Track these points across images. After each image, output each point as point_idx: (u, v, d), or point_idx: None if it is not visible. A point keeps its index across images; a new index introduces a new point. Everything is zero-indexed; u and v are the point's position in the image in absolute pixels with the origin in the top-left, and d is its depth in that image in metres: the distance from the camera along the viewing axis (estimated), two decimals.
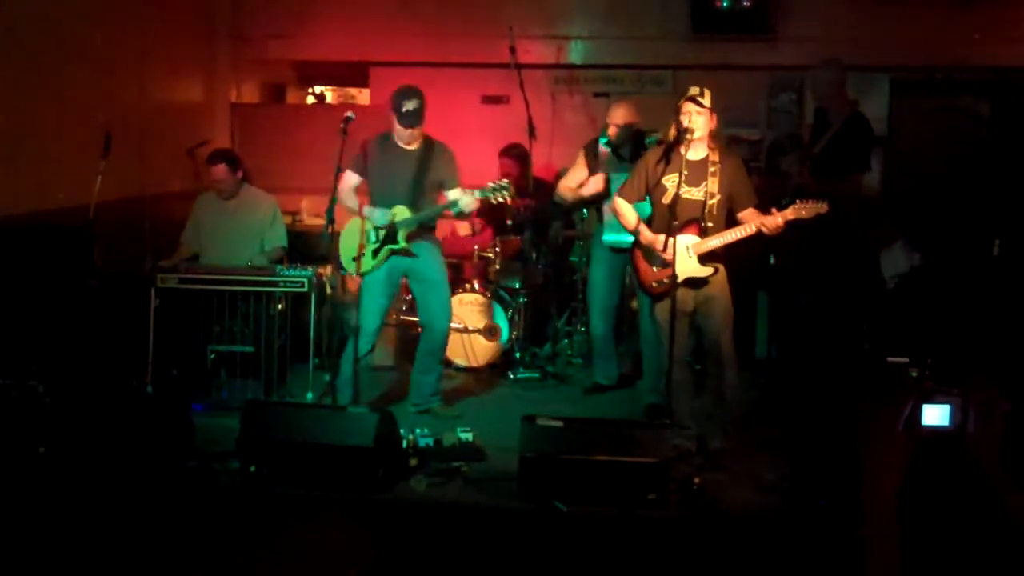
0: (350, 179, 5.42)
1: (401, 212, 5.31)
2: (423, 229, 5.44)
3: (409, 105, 5.18)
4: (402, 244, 5.32)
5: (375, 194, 5.41)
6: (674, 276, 4.69)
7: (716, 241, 4.77)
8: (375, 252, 5.35)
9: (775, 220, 4.69)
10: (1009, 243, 6.32)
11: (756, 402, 5.78)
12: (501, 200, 5.26)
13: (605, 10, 7.87)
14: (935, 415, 3.67)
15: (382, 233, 5.33)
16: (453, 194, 5.34)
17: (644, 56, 7.88)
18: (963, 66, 7.56)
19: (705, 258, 4.80)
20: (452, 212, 5.42)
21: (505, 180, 5.29)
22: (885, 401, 3.77)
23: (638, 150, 5.75)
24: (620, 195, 5.03)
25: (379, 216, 5.32)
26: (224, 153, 6.27)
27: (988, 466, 3.60)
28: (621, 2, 7.83)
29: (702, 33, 7.55)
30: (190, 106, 7.76)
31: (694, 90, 4.76)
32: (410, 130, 5.26)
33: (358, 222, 5.37)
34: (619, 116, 5.81)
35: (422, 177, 5.34)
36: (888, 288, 6.57)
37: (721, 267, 4.86)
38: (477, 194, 5.24)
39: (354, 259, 5.35)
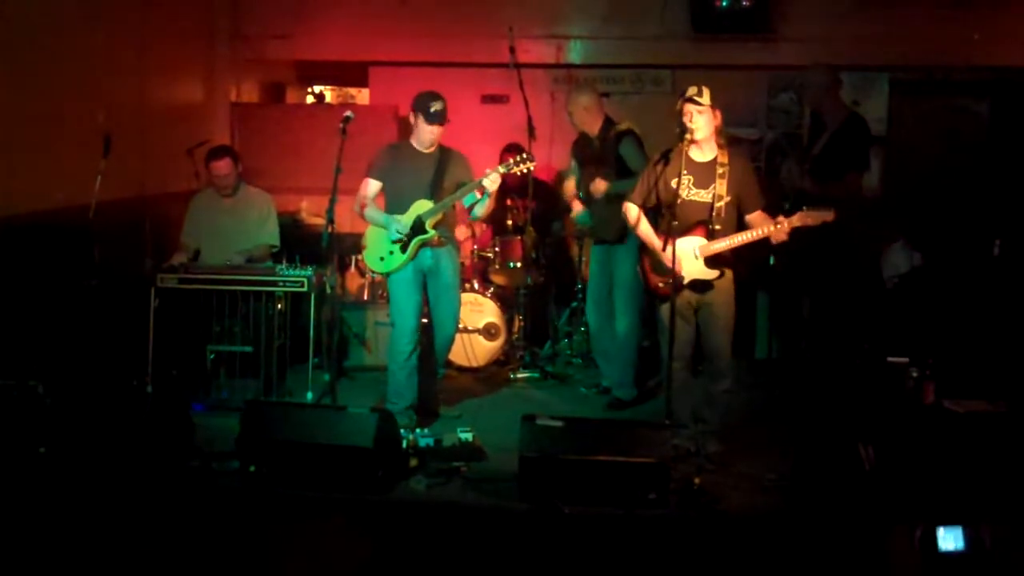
0: (372, 186, 5.44)
1: (423, 205, 5.33)
2: (445, 226, 5.45)
3: (436, 106, 5.25)
4: (431, 232, 5.34)
5: (394, 195, 5.42)
6: (678, 277, 4.71)
7: (722, 244, 4.76)
8: (403, 247, 5.36)
9: (782, 229, 4.68)
10: (1009, 243, 6.33)
11: (756, 402, 5.78)
12: (526, 169, 5.32)
13: (605, 10, 7.87)
14: (950, 540, 3.66)
15: (407, 230, 5.35)
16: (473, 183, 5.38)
17: (644, 56, 7.89)
18: (963, 66, 7.57)
19: (711, 261, 4.78)
20: (473, 200, 5.42)
21: (527, 152, 5.33)
22: (896, 524, 3.77)
23: (615, 139, 5.76)
24: (629, 199, 5.02)
25: (394, 229, 5.33)
26: (227, 147, 6.29)
27: None
28: (621, 2, 7.84)
29: (702, 33, 7.55)
30: (190, 106, 7.75)
31: (692, 90, 4.75)
32: (436, 128, 5.29)
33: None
34: (577, 120, 5.88)
35: (441, 177, 5.38)
36: (888, 288, 6.57)
37: (729, 272, 4.84)
38: (501, 168, 5.29)
39: (381, 258, 5.39)
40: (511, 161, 5.32)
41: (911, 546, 3.66)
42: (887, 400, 5.01)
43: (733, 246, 4.77)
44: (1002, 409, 4.53)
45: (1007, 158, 7.46)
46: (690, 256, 4.76)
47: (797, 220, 4.67)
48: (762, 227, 4.74)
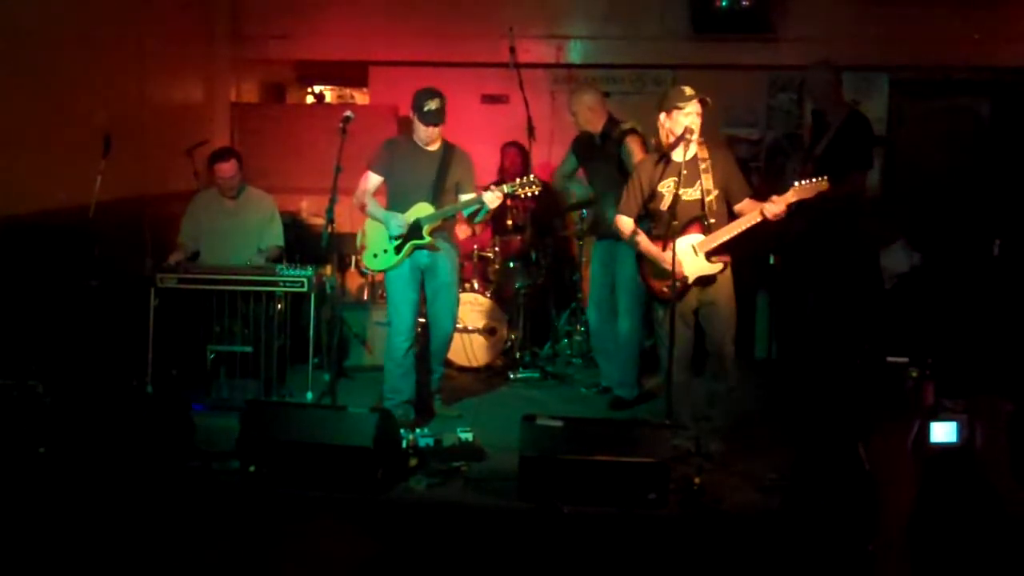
0: (373, 180, 5.44)
1: (423, 209, 5.33)
2: (444, 229, 5.46)
3: (431, 104, 5.22)
4: (427, 239, 5.34)
5: (396, 192, 5.43)
6: (684, 278, 4.73)
7: (721, 236, 4.74)
8: (398, 248, 5.36)
9: (777, 206, 4.65)
10: (1009, 243, 6.32)
11: (756, 402, 5.78)
12: (531, 193, 5.31)
13: (605, 10, 7.87)
14: (942, 432, 3.64)
15: (405, 230, 5.35)
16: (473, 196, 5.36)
17: (644, 56, 7.88)
18: (963, 66, 7.57)
19: (712, 254, 4.78)
20: (473, 209, 5.40)
21: (533, 175, 5.33)
22: (893, 420, 3.75)
23: (620, 138, 5.75)
24: (620, 212, 4.99)
25: (394, 225, 5.33)
26: (231, 149, 6.30)
27: (997, 479, 3.59)
28: (621, 2, 7.83)
29: (702, 33, 7.55)
30: (190, 106, 7.75)
31: (689, 90, 4.75)
32: (432, 129, 5.28)
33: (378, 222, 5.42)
34: (582, 120, 5.85)
35: (443, 177, 5.37)
36: (888, 288, 6.57)
37: (728, 265, 4.83)
38: (506, 188, 5.28)
39: (375, 255, 5.39)
40: (517, 182, 5.30)
41: (902, 442, 3.64)
42: (887, 400, 5.01)
43: (731, 235, 4.76)
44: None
45: (1007, 158, 7.46)
46: (690, 254, 4.76)
47: (792, 195, 4.64)
48: (756, 209, 4.71)
